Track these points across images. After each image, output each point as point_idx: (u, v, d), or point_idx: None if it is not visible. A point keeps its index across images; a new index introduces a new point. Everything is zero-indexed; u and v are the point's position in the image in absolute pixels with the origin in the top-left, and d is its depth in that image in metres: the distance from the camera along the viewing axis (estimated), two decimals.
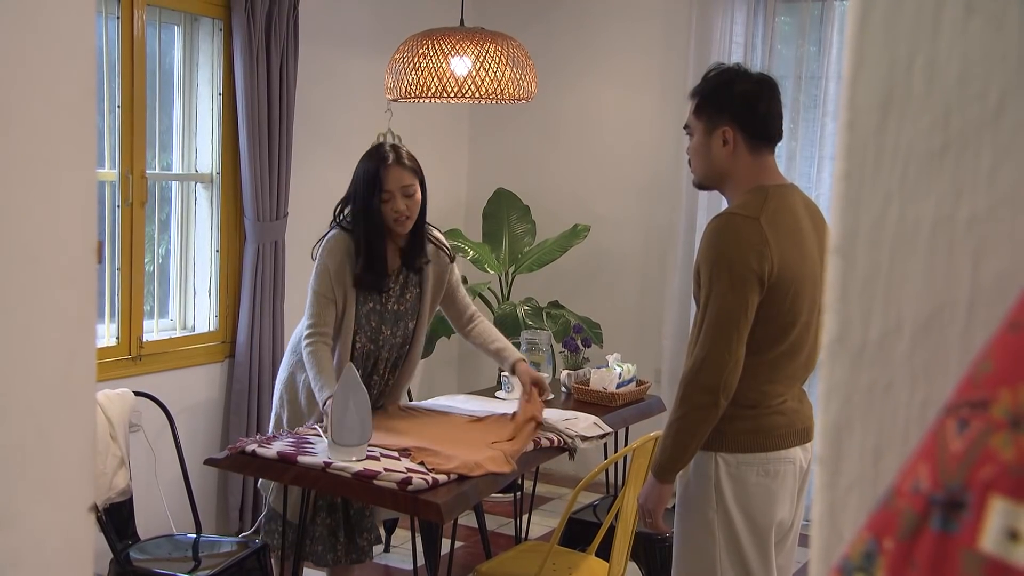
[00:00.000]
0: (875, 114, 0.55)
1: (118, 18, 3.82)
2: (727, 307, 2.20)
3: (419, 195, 3.12)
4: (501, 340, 3.34)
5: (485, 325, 3.39)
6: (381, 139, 3.20)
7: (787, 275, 2.23)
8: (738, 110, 2.32)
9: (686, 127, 2.42)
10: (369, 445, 2.79)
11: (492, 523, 4.61)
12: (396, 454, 2.83)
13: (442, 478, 2.68)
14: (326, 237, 3.16)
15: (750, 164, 2.33)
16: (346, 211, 3.15)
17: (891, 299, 0.55)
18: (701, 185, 2.46)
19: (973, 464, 0.42)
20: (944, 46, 0.53)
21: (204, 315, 4.36)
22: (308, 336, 3.06)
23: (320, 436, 2.97)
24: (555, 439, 3.17)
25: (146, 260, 4.08)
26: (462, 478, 2.74)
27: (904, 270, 0.55)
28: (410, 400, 4.20)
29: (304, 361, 3.05)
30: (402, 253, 3.19)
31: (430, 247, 3.25)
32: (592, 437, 3.30)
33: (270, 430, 3.29)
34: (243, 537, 3.86)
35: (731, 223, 2.25)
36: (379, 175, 3.02)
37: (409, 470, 2.71)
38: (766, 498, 2.31)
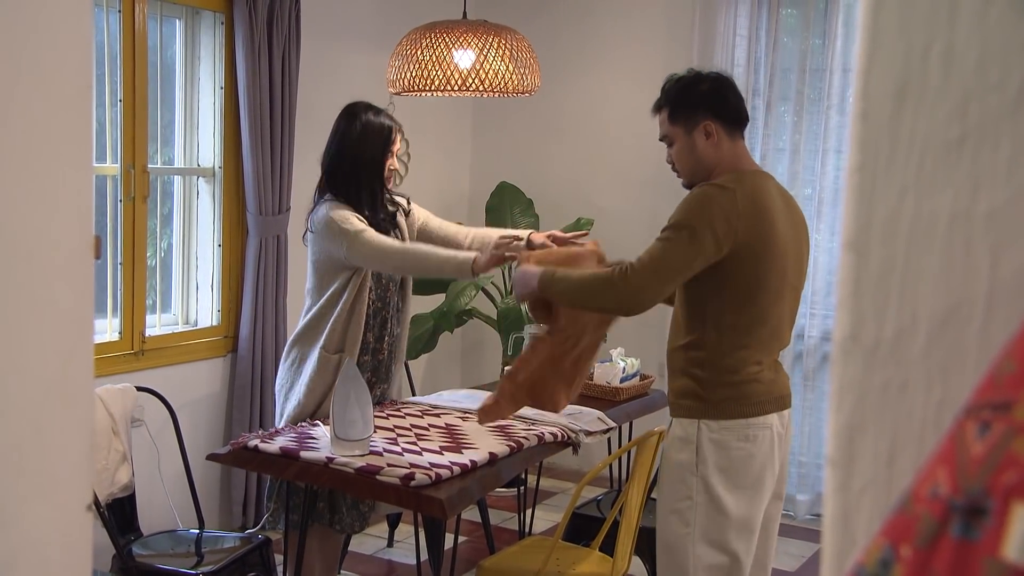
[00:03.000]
0: (890, 104, 0.53)
1: (119, 12, 3.81)
2: (677, 253, 2.38)
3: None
4: (500, 230, 3.37)
5: (478, 229, 3.43)
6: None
7: (753, 243, 2.40)
8: (711, 103, 2.51)
9: (663, 138, 2.60)
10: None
11: (496, 518, 4.60)
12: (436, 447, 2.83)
13: (445, 473, 2.67)
14: (326, 203, 3.16)
15: (731, 150, 2.52)
16: (347, 180, 3.19)
17: (906, 295, 0.54)
18: (691, 185, 2.59)
19: (995, 468, 0.40)
20: (962, 33, 0.51)
21: (206, 310, 4.35)
22: (362, 232, 3.06)
23: (323, 431, 2.96)
24: (559, 434, 3.16)
25: (148, 255, 4.07)
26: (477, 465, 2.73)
27: (920, 265, 0.53)
28: (413, 394, 4.20)
29: (414, 256, 3.08)
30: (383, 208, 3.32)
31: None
32: (596, 432, 3.29)
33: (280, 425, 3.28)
34: (248, 532, 3.86)
35: (707, 190, 2.43)
36: (392, 135, 3.21)
37: (412, 465, 2.70)
38: (746, 460, 2.47)
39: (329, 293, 3.18)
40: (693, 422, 2.48)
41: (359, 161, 3.18)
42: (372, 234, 3.09)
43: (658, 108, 2.59)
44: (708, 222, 2.37)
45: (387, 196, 3.30)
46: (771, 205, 2.47)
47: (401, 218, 3.35)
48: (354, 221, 3.10)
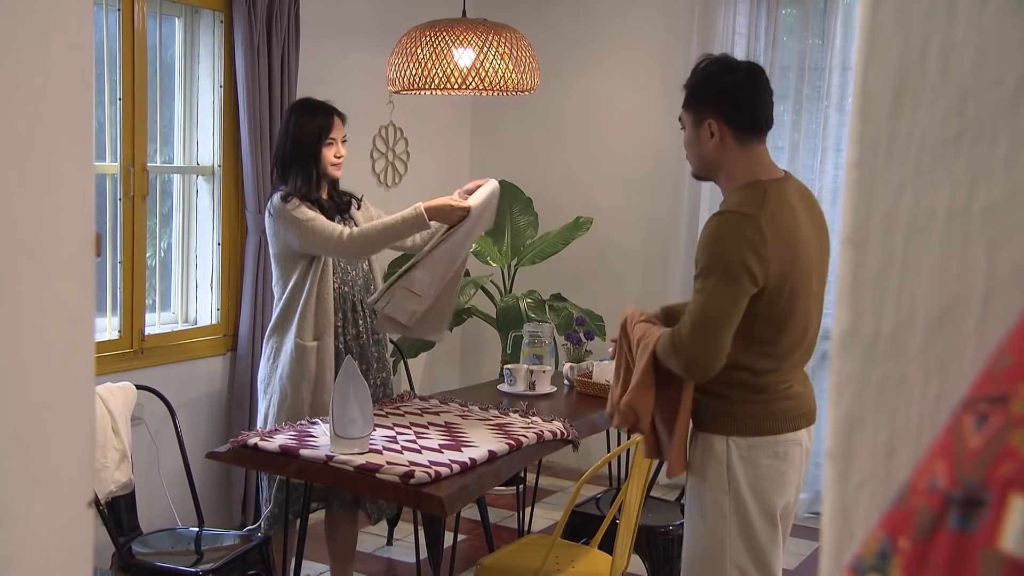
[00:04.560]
0: (888, 100, 0.54)
1: (119, 10, 3.81)
2: (717, 302, 2.25)
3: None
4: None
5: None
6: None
7: (783, 273, 2.29)
8: (720, 104, 2.36)
9: (680, 119, 2.48)
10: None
11: (495, 516, 4.60)
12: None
13: (444, 471, 2.68)
14: (276, 191, 3.31)
15: (740, 156, 2.37)
16: (287, 167, 3.34)
17: (904, 291, 0.54)
18: (698, 176, 2.52)
19: (992, 461, 0.41)
20: (960, 31, 0.52)
21: (206, 308, 4.35)
22: (312, 220, 3.22)
23: (322, 429, 2.96)
24: (558, 431, 3.17)
25: (148, 253, 4.07)
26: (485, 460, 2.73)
27: (918, 261, 0.53)
28: (412, 389, 4.19)
29: (369, 237, 3.23)
30: (329, 198, 3.42)
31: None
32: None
33: (265, 426, 3.31)
34: (247, 530, 3.86)
35: (731, 221, 2.29)
36: (328, 125, 3.33)
37: (412, 463, 2.70)
38: (776, 479, 2.38)
39: (293, 281, 3.30)
40: (722, 439, 2.38)
41: (303, 154, 3.31)
42: (322, 223, 3.23)
43: (684, 87, 2.45)
44: (740, 258, 2.23)
45: (326, 181, 3.38)
46: (794, 221, 2.34)
47: (355, 210, 3.47)
48: (304, 210, 3.24)
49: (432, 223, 3.25)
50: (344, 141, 3.39)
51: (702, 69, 2.41)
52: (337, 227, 3.23)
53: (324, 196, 3.37)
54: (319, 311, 3.28)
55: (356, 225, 3.40)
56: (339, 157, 3.36)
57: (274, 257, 3.35)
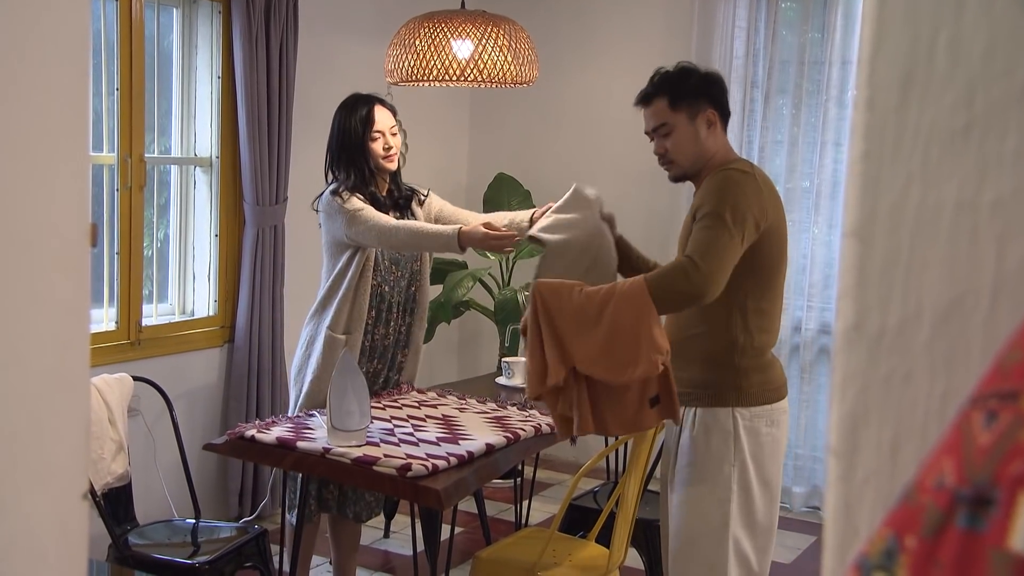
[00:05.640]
0: (896, 92, 0.53)
1: (117, 0, 3.79)
2: (729, 234, 2.34)
3: (399, 134, 3.36)
4: (507, 214, 3.34)
5: (492, 214, 3.40)
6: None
7: (774, 225, 2.46)
8: (714, 93, 2.52)
9: (656, 128, 2.55)
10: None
11: (492, 509, 4.60)
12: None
13: (441, 464, 2.67)
14: (336, 195, 3.23)
15: (724, 142, 2.56)
16: (337, 164, 3.31)
17: (911, 285, 0.53)
18: (683, 177, 2.58)
19: (1002, 458, 0.40)
20: (969, 23, 0.51)
21: (203, 300, 4.34)
22: (360, 211, 3.16)
23: (320, 421, 2.96)
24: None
25: (145, 244, 4.06)
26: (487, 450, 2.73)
27: (925, 255, 0.53)
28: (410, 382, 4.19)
29: (403, 236, 3.13)
30: (388, 194, 3.36)
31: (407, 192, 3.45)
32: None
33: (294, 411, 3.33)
34: (244, 522, 3.86)
35: (734, 176, 2.43)
36: (370, 117, 3.26)
37: (409, 456, 2.70)
38: (774, 448, 2.50)
39: (335, 273, 3.29)
40: (727, 410, 2.46)
41: (349, 150, 3.27)
42: (370, 212, 3.18)
43: (648, 98, 2.55)
44: (747, 205, 2.38)
45: (383, 175, 3.32)
46: (775, 188, 2.54)
47: (416, 206, 3.42)
48: (353, 201, 3.21)
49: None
50: (394, 133, 3.30)
51: (675, 73, 2.53)
52: (383, 217, 3.18)
53: (383, 192, 3.32)
54: (354, 306, 3.27)
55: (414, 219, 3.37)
56: (388, 149, 3.27)
57: (323, 247, 3.36)
